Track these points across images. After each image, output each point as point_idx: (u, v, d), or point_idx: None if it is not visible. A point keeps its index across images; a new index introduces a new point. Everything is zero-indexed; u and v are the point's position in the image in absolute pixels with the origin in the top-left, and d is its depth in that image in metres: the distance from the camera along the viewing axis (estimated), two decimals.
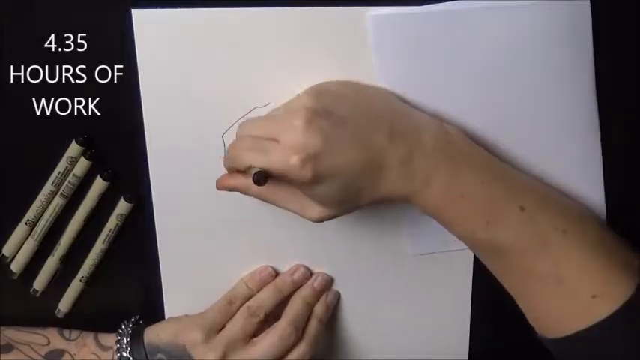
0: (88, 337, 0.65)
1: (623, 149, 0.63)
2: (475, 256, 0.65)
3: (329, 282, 0.66)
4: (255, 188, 0.56)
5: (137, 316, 0.66)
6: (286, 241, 0.65)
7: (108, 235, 0.64)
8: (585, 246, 0.56)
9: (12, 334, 0.64)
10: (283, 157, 0.53)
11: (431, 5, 0.58)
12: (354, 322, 0.68)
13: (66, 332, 0.65)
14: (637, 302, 0.54)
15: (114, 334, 0.64)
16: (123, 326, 0.64)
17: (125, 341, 0.63)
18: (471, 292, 0.67)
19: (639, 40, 0.60)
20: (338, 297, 0.67)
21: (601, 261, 0.55)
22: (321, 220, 0.57)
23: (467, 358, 0.68)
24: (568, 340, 0.56)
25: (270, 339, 0.62)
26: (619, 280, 0.55)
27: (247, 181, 0.56)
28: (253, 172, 0.54)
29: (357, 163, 0.54)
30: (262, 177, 0.54)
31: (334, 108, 0.55)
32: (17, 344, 0.64)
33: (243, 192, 0.58)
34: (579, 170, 0.62)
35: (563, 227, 0.56)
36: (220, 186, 0.59)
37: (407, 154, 0.55)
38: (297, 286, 0.65)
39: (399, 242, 0.65)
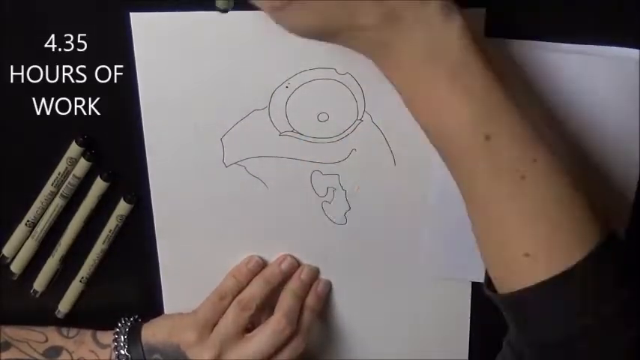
0: (86, 335, 0.65)
1: None
2: None
3: (315, 272, 0.65)
4: None
5: (136, 316, 0.65)
6: (286, 241, 0.65)
7: (108, 235, 0.64)
8: (539, 199, 0.48)
9: (10, 331, 0.64)
10: None
11: None
12: (353, 323, 0.68)
13: (64, 330, 0.65)
14: (578, 274, 0.47)
15: (111, 332, 0.64)
16: (120, 324, 0.64)
17: (123, 339, 0.63)
18: (471, 293, 0.67)
19: None
20: (329, 286, 0.66)
21: (550, 221, 0.48)
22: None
23: (467, 358, 0.68)
24: (506, 299, 0.50)
25: (265, 333, 0.62)
26: (567, 246, 0.48)
27: None
28: None
29: None
30: None
31: None
32: (15, 342, 0.64)
33: None
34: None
35: (524, 169, 0.48)
36: None
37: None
38: (285, 276, 0.64)
39: (398, 239, 0.65)
